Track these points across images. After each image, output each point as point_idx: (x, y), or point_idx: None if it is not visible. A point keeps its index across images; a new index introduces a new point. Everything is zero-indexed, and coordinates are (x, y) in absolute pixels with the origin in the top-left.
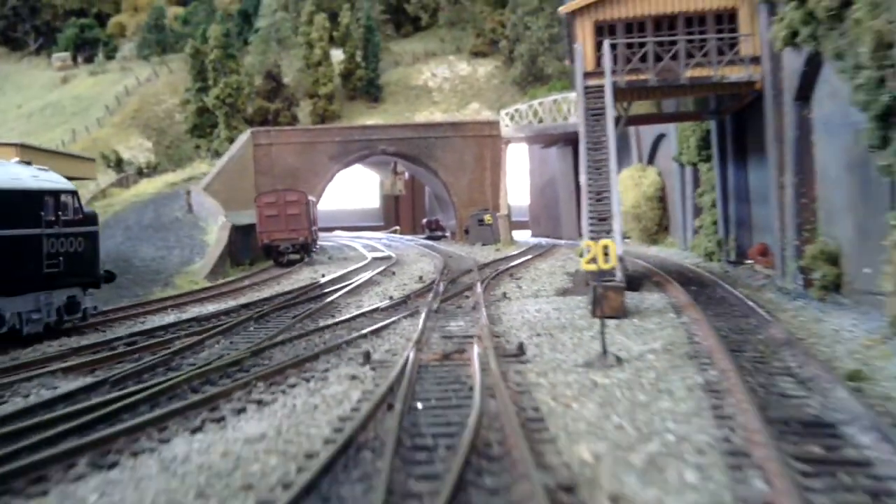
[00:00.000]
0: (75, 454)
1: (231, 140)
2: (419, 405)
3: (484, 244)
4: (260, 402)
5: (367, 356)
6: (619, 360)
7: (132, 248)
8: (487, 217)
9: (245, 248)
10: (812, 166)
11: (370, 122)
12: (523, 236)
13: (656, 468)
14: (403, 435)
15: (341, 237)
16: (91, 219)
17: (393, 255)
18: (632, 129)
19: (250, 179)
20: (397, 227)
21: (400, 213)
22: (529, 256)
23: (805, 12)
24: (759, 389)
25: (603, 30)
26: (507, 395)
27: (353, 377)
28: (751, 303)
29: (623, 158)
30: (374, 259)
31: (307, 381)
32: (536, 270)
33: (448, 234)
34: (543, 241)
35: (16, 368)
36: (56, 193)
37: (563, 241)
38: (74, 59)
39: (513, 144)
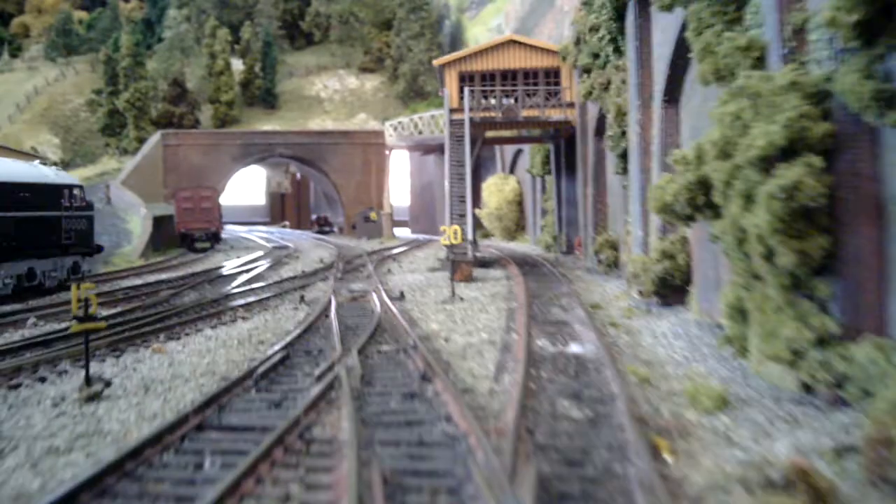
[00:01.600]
0: (156, 333)
1: (139, 140)
2: (343, 315)
3: (369, 238)
4: (244, 318)
5: (302, 298)
6: (461, 299)
7: None
8: (373, 214)
9: (159, 236)
10: (604, 182)
11: (267, 127)
12: (404, 233)
13: (469, 333)
14: (339, 324)
15: (234, 231)
16: (90, 205)
17: (291, 245)
18: (497, 145)
19: (159, 176)
20: (286, 223)
21: (286, 209)
22: (409, 247)
23: (591, 81)
24: (537, 312)
25: (465, 78)
26: (395, 311)
27: (296, 308)
28: (560, 276)
29: (490, 168)
30: (275, 248)
31: (267, 310)
32: (414, 257)
33: (336, 229)
34: (422, 237)
35: (58, 304)
36: (70, 187)
37: (438, 238)
38: None
39: (396, 151)
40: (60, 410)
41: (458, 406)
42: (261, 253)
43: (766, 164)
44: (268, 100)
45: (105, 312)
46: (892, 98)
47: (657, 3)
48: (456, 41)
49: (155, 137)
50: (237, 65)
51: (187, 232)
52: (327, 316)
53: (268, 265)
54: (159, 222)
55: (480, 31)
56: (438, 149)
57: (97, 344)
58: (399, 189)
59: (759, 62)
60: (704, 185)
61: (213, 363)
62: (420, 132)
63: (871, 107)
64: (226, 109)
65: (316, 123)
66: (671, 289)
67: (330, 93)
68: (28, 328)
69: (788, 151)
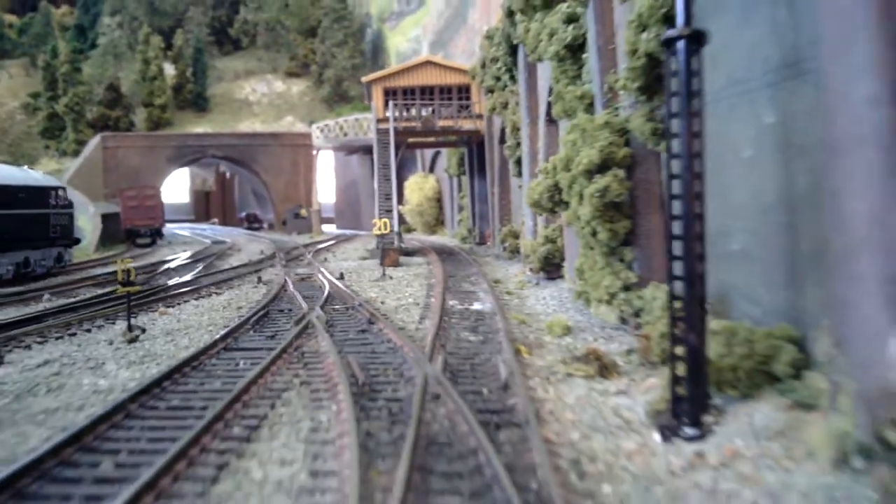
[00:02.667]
0: (154, 303)
1: (78, 142)
2: (299, 288)
3: (299, 233)
4: (217, 293)
5: (259, 279)
6: (390, 278)
7: None
8: (303, 211)
9: (105, 232)
10: (508, 182)
11: (199, 129)
12: (329, 228)
13: (399, 298)
14: (299, 293)
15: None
16: (71, 204)
17: (228, 240)
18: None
19: (100, 176)
20: (216, 220)
21: (210, 207)
22: (337, 241)
23: (494, 100)
24: (451, 285)
25: (389, 93)
26: (339, 285)
27: (256, 287)
28: (472, 261)
29: (412, 168)
30: (214, 243)
31: (233, 288)
32: (344, 249)
33: (265, 225)
34: (347, 232)
35: (54, 286)
36: (56, 188)
37: (363, 233)
38: None
39: (322, 152)
40: (116, 346)
41: (395, 334)
42: (203, 247)
43: (590, 174)
44: (199, 103)
45: (102, 291)
46: (663, 134)
47: (529, 56)
48: (377, 49)
49: (95, 140)
50: (169, 69)
51: (133, 228)
52: (286, 290)
53: (216, 256)
54: (104, 220)
55: (400, 41)
56: (362, 149)
57: (116, 309)
58: (324, 187)
59: (590, 107)
60: (557, 188)
61: (212, 319)
62: (345, 134)
63: (651, 139)
64: (159, 113)
65: (245, 126)
66: (553, 265)
67: (258, 96)
68: (45, 302)
69: (602, 166)
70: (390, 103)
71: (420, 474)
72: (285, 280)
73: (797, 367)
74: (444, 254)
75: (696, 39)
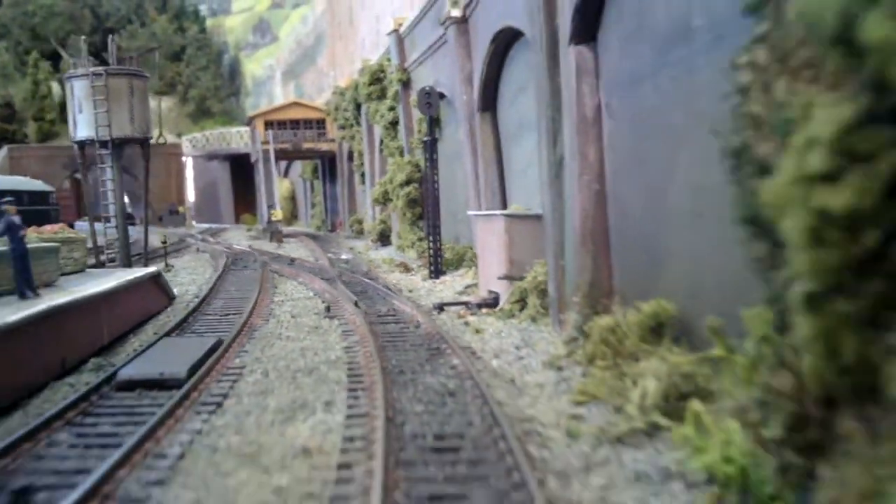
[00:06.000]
0: (163, 257)
1: None
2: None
3: (176, 227)
4: (180, 257)
5: (198, 249)
6: (284, 247)
7: None
8: (181, 208)
9: None
10: (354, 186)
11: None
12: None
13: (299, 254)
14: (240, 253)
15: None
16: (58, 202)
17: None
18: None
19: None
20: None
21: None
22: (214, 231)
23: (344, 133)
24: (325, 249)
25: (268, 124)
26: (262, 252)
27: (199, 253)
28: (332, 240)
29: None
30: None
31: (185, 255)
32: (229, 235)
33: (137, 221)
34: (213, 226)
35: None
36: (51, 192)
37: (227, 225)
38: None
39: (189, 159)
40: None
41: (309, 264)
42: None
43: (402, 186)
44: None
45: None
46: (435, 162)
47: (370, 121)
48: (235, 73)
49: (3, 152)
50: (57, 89)
51: None
52: (227, 252)
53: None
54: None
55: (256, 68)
56: (222, 157)
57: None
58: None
59: (402, 152)
60: (387, 192)
61: (201, 264)
62: (210, 144)
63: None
64: (48, 126)
65: None
66: (385, 237)
67: None
68: None
69: (407, 182)
70: (269, 132)
71: (346, 286)
72: (219, 249)
73: (472, 258)
74: (310, 236)
75: (434, 141)
